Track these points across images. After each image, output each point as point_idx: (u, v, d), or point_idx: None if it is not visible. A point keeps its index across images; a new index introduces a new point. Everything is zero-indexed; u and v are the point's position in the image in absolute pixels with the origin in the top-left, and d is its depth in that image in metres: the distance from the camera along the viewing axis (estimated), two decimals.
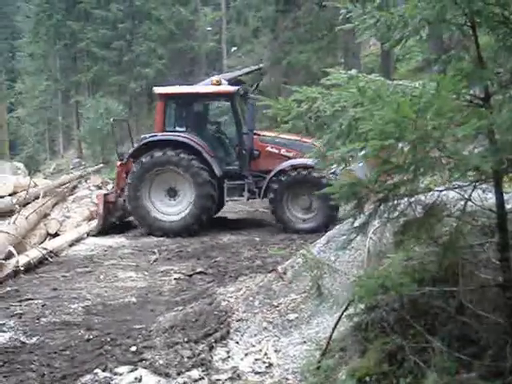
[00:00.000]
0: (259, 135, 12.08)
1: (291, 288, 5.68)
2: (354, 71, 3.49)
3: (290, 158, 11.65)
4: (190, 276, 8.37)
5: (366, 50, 25.06)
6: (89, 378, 4.83)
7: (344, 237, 3.61)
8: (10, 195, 12.76)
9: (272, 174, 11.35)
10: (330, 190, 3.19)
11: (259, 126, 22.34)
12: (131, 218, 12.52)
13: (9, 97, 29.74)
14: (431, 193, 3.38)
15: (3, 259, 8.48)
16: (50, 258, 9.62)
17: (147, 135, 12.32)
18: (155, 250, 10.25)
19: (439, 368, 3.08)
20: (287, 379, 4.34)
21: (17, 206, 11.49)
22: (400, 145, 2.81)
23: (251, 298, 5.83)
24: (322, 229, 10.73)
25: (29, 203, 12.10)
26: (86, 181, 18.10)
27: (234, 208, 14.30)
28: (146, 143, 11.85)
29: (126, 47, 35.41)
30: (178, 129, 12.25)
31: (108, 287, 7.96)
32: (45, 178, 21.90)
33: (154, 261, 9.56)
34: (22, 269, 8.66)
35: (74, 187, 16.55)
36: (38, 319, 6.58)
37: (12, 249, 8.87)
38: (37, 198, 12.73)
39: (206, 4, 38.43)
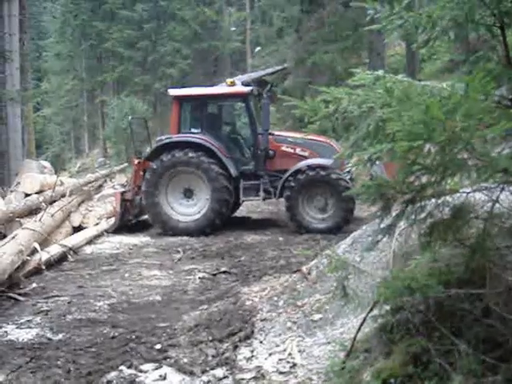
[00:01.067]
0: (274, 135, 12.12)
1: (316, 288, 5.68)
2: (380, 72, 3.48)
3: (305, 157, 11.73)
4: (215, 275, 8.42)
5: (391, 49, 24.94)
6: (114, 374, 4.88)
7: (370, 238, 3.60)
8: (36, 193, 12.91)
9: (288, 173, 11.39)
10: (357, 191, 3.19)
11: (283, 126, 22.44)
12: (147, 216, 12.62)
13: (35, 96, 30.14)
14: (458, 194, 3.36)
15: (28, 255, 8.59)
16: (69, 256, 9.74)
17: (163, 137, 12.41)
18: (179, 249, 10.31)
19: (465, 370, 3.06)
20: (311, 379, 4.33)
21: (43, 204, 11.62)
22: (427, 146, 2.80)
23: (275, 298, 5.84)
24: (335, 230, 10.79)
25: (55, 201, 12.23)
26: (111, 180, 18.26)
27: (257, 208, 14.34)
28: (162, 145, 11.94)
29: (150, 47, 35.63)
30: (193, 130, 12.33)
31: (133, 285, 8.03)
32: (70, 177, 22.11)
33: (179, 260, 9.62)
34: (44, 267, 8.77)
35: (100, 186, 16.70)
36: (64, 316, 6.66)
37: (36, 245, 8.98)
38: (63, 196, 12.87)
39: (230, 4, 38.58)
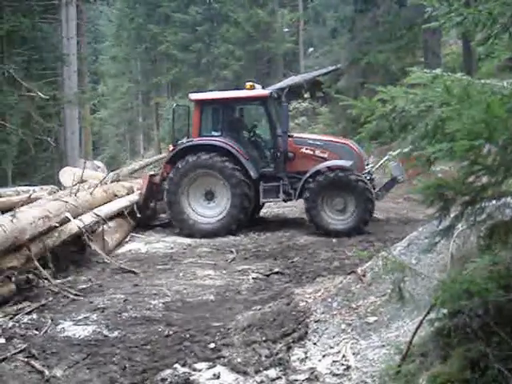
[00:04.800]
0: (293, 137, 12.25)
1: (371, 290, 5.61)
2: (438, 70, 3.42)
3: (324, 158, 11.80)
4: (268, 276, 8.42)
5: (446, 48, 24.45)
6: (168, 372, 4.94)
7: (427, 240, 3.54)
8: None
9: (308, 174, 11.45)
10: (416, 191, 3.14)
11: (337, 127, 22.28)
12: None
13: (92, 98, 30.89)
14: None
15: (58, 223, 8.73)
16: (99, 222, 10.04)
17: (184, 140, 12.56)
18: (233, 249, 10.37)
19: None
20: (366, 383, 4.28)
21: (89, 189, 11.80)
22: (487, 146, 2.73)
23: (329, 300, 5.79)
24: (354, 232, 10.74)
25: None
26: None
27: None
28: (182, 148, 12.09)
29: (204, 49, 35.97)
30: (213, 133, 12.51)
31: (187, 284, 8.10)
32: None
33: (232, 260, 9.67)
34: (86, 236, 9.09)
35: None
36: (119, 314, 6.76)
37: (69, 215, 9.08)
38: (112, 182, 13.32)
39: (283, 5, 38.48)
